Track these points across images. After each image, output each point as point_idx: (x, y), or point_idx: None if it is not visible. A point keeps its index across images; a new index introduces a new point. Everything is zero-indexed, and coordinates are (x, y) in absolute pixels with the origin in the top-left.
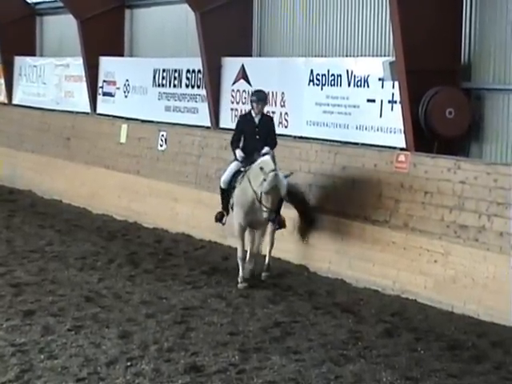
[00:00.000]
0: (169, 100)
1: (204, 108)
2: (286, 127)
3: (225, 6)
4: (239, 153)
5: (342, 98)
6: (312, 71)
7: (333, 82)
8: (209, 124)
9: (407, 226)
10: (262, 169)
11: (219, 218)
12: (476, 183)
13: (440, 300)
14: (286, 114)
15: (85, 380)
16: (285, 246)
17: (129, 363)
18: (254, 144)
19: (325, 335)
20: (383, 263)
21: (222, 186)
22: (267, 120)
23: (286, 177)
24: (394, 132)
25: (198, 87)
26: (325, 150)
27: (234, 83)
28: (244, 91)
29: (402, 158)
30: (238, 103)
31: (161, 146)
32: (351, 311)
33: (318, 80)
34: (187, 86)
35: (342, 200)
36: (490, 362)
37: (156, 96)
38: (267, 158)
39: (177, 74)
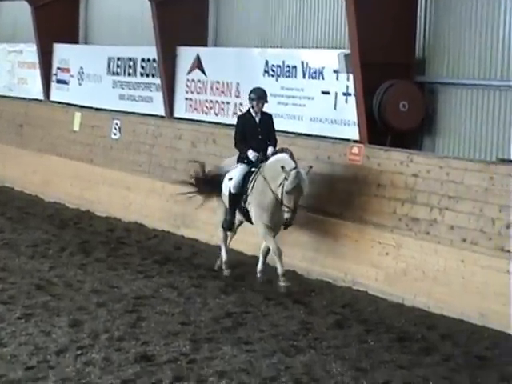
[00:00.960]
0: (123, 88)
1: (158, 97)
2: None
3: None
4: (252, 153)
5: (296, 89)
6: (267, 62)
7: (288, 74)
8: (163, 113)
9: (360, 219)
10: (283, 168)
11: (229, 226)
12: (428, 176)
13: (391, 292)
14: (241, 104)
15: (34, 368)
16: (237, 236)
17: (79, 352)
18: (256, 144)
19: (276, 326)
20: (335, 255)
21: (234, 191)
22: (267, 118)
23: (306, 173)
24: (348, 124)
25: (153, 76)
26: (279, 141)
27: (188, 73)
28: (199, 81)
29: (355, 150)
30: (192, 93)
31: (114, 134)
32: (303, 302)
33: (273, 71)
34: (142, 74)
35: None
36: (439, 353)
37: (110, 84)
38: (284, 156)
39: (131, 63)
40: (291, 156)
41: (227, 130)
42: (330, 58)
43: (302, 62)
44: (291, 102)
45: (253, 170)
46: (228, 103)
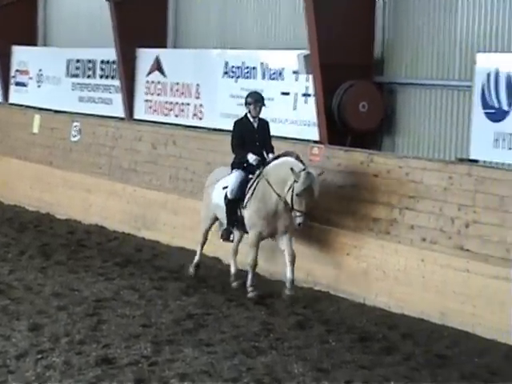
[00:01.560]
0: (82, 90)
1: (118, 99)
2: (200, 119)
3: None
4: (253, 156)
5: (257, 90)
6: (227, 63)
7: (247, 75)
8: (123, 115)
9: (321, 219)
10: (292, 170)
11: (227, 235)
12: (388, 176)
13: (352, 292)
14: (201, 105)
15: None
16: (198, 237)
17: (39, 356)
18: (253, 150)
19: (237, 327)
20: (297, 256)
21: (231, 196)
22: (264, 124)
23: (318, 175)
24: (308, 125)
25: (112, 78)
26: None
27: (148, 74)
28: (158, 82)
29: (315, 150)
30: (152, 94)
31: (74, 136)
32: (264, 303)
33: (232, 72)
34: (101, 76)
35: None
36: (400, 353)
37: (70, 86)
38: (290, 159)
39: (91, 65)
40: (298, 158)
41: (187, 132)
42: (289, 59)
43: (262, 63)
44: None
45: (250, 176)
46: (188, 104)
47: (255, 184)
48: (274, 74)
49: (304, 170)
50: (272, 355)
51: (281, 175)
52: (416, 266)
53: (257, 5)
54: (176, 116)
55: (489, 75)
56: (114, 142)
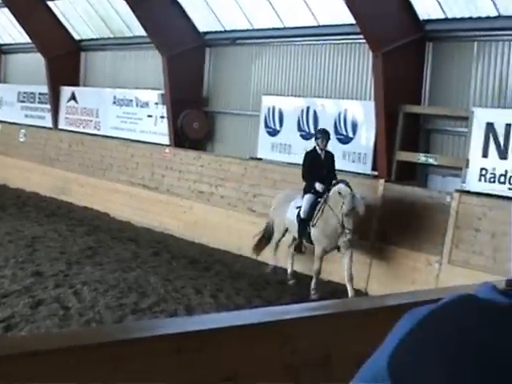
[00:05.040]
0: (27, 110)
1: (49, 117)
2: (98, 130)
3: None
4: (320, 185)
5: (132, 113)
6: (115, 97)
7: (127, 104)
8: (51, 126)
9: (169, 191)
10: (339, 193)
11: (299, 248)
12: (210, 167)
13: (187, 235)
14: (99, 122)
15: None
16: (93, 199)
17: None
18: (320, 178)
19: (118, 254)
20: (154, 212)
21: (303, 216)
22: (330, 156)
23: (362, 198)
24: (163, 135)
25: (46, 103)
26: (123, 144)
27: (67, 102)
28: (73, 107)
29: (167, 150)
30: (70, 114)
31: (21, 138)
32: (134, 240)
33: (118, 102)
34: (39, 102)
35: (131, 172)
36: (214, 270)
37: (19, 108)
38: (341, 185)
39: (32, 95)
40: (347, 185)
41: (90, 137)
42: (152, 96)
43: (136, 97)
44: (129, 121)
45: (318, 200)
46: (91, 121)
47: (321, 207)
48: (143, 104)
49: (349, 193)
50: (138, 271)
51: (336, 199)
52: (225, 217)
53: (134, 61)
54: (84, 127)
55: (269, 108)
56: (45, 142)
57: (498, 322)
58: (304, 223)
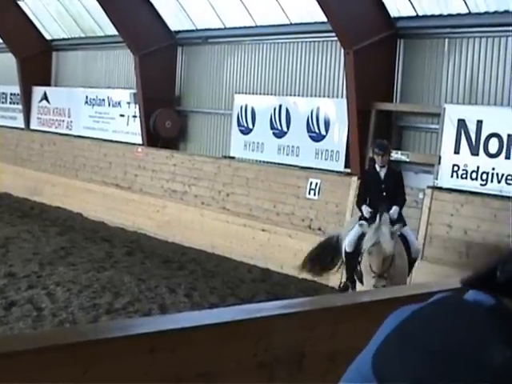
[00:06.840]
0: None
1: (21, 117)
2: (70, 130)
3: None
4: (366, 208)
5: (105, 113)
6: (87, 96)
7: (99, 103)
8: (23, 126)
9: (142, 191)
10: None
11: (344, 289)
12: (183, 166)
13: (160, 234)
14: (71, 121)
15: None
16: (66, 199)
17: None
18: (379, 201)
19: (91, 254)
20: (127, 211)
21: (348, 249)
22: (394, 174)
23: (392, 233)
24: (135, 134)
25: (17, 104)
26: (95, 144)
27: (39, 102)
28: (45, 107)
29: (140, 149)
30: (41, 114)
31: None
32: (107, 240)
33: (90, 102)
34: (10, 103)
35: (103, 172)
36: (188, 269)
37: None
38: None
39: (4, 95)
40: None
41: (62, 137)
42: (124, 95)
43: (108, 97)
44: (101, 120)
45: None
46: (63, 121)
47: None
48: (115, 103)
49: (377, 224)
50: (112, 271)
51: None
52: (195, 214)
53: (106, 61)
54: (56, 127)
55: (241, 107)
56: (17, 143)
57: (482, 322)
58: (350, 257)
